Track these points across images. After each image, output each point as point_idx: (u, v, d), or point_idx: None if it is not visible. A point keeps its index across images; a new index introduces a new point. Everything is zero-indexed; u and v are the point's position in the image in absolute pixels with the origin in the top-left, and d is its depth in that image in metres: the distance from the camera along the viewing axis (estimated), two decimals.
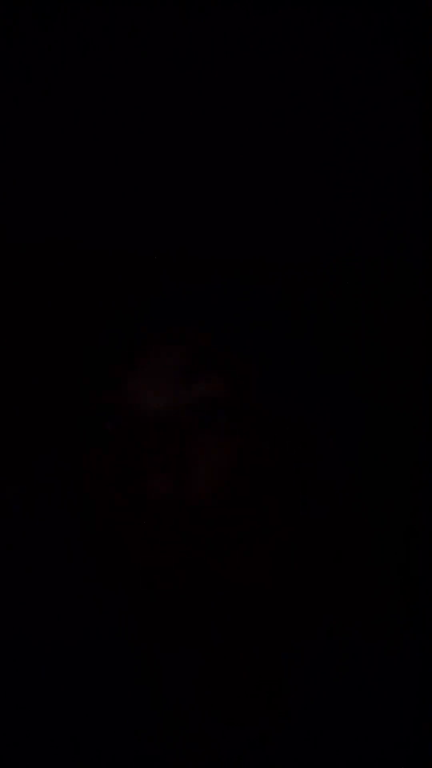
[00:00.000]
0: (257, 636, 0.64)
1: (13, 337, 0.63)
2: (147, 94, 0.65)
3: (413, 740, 0.64)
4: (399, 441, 0.66)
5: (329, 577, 0.65)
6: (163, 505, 0.58)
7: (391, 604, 0.68)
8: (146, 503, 0.58)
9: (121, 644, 0.65)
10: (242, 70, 0.65)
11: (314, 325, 0.64)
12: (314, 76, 0.65)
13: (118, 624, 0.65)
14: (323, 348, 0.65)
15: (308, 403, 0.64)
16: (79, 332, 0.62)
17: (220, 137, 0.66)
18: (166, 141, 0.65)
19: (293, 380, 0.64)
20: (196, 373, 0.59)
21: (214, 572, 0.60)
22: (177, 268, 0.61)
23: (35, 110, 0.66)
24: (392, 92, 0.65)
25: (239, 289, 0.62)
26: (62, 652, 0.65)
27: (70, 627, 0.65)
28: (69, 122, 0.65)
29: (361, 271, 0.65)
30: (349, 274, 0.64)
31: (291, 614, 0.65)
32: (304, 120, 0.66)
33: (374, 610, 0.68)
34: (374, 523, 0.68)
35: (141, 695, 0.65)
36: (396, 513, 0.68)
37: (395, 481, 0.68)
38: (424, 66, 0.65)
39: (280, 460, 0.62)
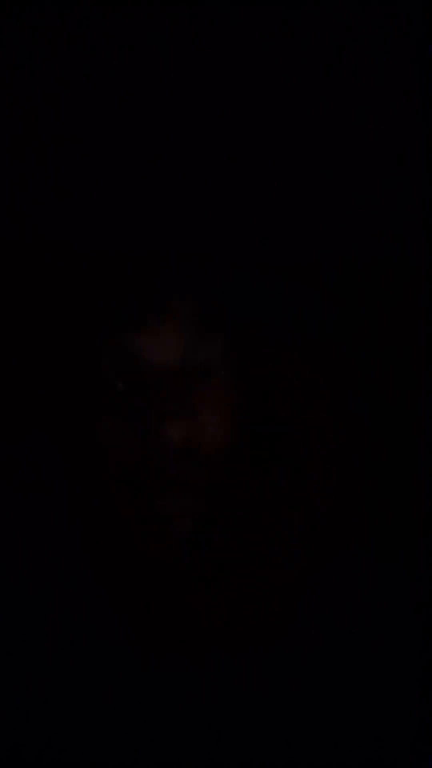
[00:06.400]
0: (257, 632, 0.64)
1: (25, 300, 0.65)
2: (148, 93, 0.66)
3: (413, 740, 0.63)
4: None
5: (328, 572, 0.65)
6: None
7: (392, 603, 0.68)
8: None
9: (118, 635, 0.64)
10: (243, 71, 0.66)
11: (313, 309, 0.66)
12: (315, 76, 0.66)
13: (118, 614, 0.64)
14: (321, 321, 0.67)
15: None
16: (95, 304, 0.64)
17: (220, 137, 0.66)
18: (165, 140, 0.66)
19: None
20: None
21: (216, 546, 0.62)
22: (185, 249, 0.63)
23: (35, 110, 0.67)
24: (392, 92, 0.66)
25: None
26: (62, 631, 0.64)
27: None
28: (69, 122, 0.66)
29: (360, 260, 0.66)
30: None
31: (290, 610, 0.64)
32: (304, 120, 0.67)
33: (375, 609, 0.67)
34: (375, 515, 0.67)
35: (140, 691, 0.64)
36: (396, 507, 0.68)
37: (396, 478, 0.68)
38: (424, 66, 0.66)
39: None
